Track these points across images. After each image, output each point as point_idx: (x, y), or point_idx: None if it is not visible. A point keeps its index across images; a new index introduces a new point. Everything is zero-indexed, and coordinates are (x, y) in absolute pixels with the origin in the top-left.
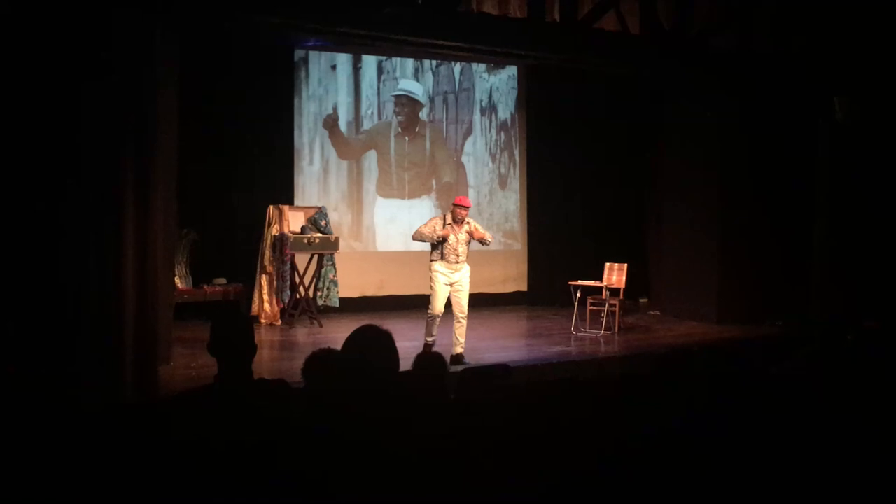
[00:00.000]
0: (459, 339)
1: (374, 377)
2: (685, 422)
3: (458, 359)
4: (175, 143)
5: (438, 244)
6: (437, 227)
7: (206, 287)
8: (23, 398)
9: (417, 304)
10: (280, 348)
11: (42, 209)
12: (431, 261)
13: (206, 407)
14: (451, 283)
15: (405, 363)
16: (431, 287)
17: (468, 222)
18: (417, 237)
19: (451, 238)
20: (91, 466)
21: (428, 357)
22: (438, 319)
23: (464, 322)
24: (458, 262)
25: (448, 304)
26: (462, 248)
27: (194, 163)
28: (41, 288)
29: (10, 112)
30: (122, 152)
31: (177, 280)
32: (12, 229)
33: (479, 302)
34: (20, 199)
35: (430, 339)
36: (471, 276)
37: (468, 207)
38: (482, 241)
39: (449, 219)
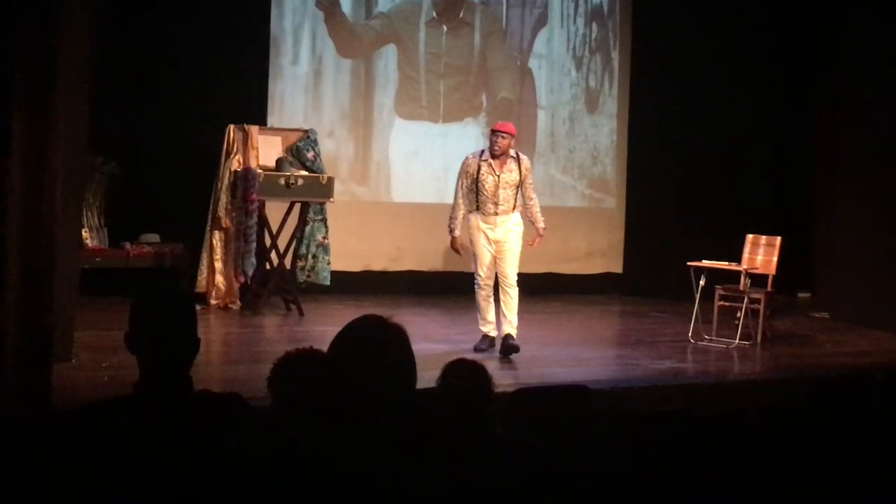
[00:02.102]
0: (508, 314)
1: (376, 395)
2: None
3: (507, 341)
4: (86, 29)
5: (473, 190)
6: (465, 175)
7: (128, 246)
8: None
9: (453, 287)
10: (237, 345)
11: None
12: (468, 212)
13: (118, 429)
14: (494, 240)
15: (427, 376)
16: (471, 248)
17: (517, 159)
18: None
19: (489, 180)
20: None
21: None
22: (489, 291)
23: (513, 294)
24: (497, 214)
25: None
26: (505, 194)
27: (119, 59)
28: None
29: None
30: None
31: (84, 234)
32: None
33: (549, 287)
34: None
35: (484, 329)
36: (538, 248)
37: (511, 135)
38: (534, 226)
39: (486, 155)
